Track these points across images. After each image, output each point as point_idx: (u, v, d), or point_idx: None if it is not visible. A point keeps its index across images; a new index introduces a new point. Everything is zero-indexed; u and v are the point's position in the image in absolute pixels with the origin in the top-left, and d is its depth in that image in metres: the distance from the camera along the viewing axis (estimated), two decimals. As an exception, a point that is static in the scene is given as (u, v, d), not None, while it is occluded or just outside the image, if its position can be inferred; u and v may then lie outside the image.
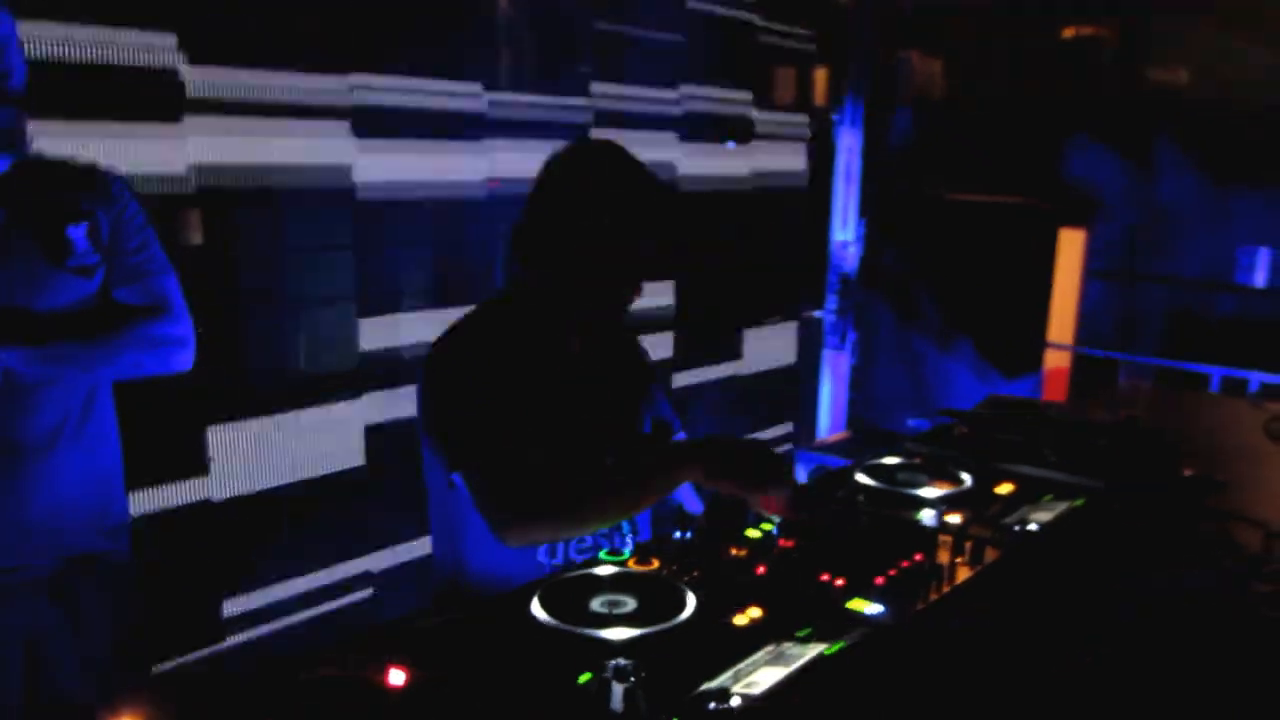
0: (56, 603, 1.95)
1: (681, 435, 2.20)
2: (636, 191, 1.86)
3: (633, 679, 1.22)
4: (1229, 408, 3.54)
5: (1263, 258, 6.91)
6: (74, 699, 1.98)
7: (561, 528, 1.78)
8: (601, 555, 1.63)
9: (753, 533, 1.73)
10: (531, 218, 1.87)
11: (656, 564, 1.59)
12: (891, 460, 2.13)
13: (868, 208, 4.75)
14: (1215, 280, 6.90)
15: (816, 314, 5.41)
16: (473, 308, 1.96)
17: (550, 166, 1.89)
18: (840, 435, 3.60)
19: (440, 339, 1.89)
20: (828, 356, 4.82)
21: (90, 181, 1.97)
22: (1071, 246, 7.10)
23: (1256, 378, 5.04)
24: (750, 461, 1.73)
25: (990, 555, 1.65)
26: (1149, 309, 7.08)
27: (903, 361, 3.32)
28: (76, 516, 1.96)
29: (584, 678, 1.24)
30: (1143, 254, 7.21)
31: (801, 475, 3.48)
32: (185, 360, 2.05)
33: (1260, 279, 6.97)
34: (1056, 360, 5.32)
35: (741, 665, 1.28)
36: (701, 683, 1.24)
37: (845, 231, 4.85)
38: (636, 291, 1.92)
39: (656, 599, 1.43)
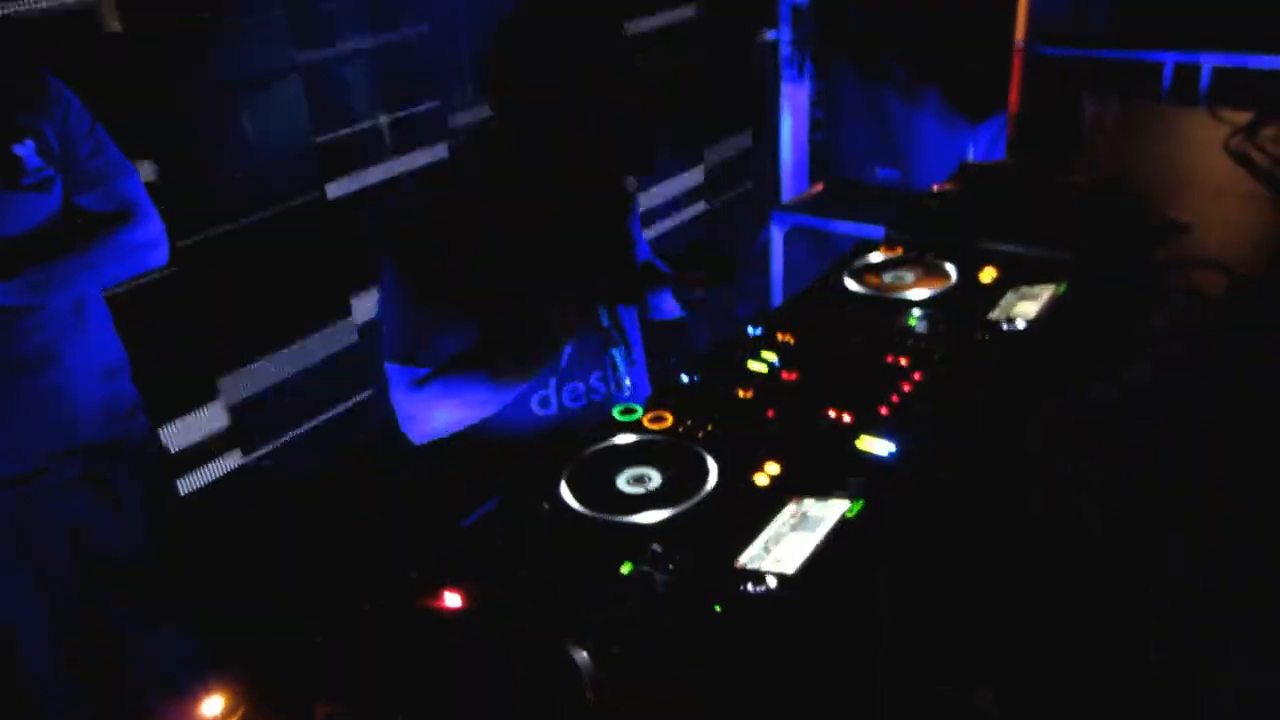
0: (92, 491, 1.98)
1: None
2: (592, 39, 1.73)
3: (670, 566, 1.28)
4: (1190, 121, 3.51)
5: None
6: (122, 576, 2.05)
7: (441, 434, 1.82)
8: (615, 414, 1.65)
9: (756, 366, 1.75)
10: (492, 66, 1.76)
11: (670, 419, 1.61)
12: (877, 258, 2.13)
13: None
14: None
15: (770, 34, 5.21)
16: (445, 158, 1.88)
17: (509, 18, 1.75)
18: (814, 190, 3.55)
19: (397, 208, 1.81)
20: (786, 89, 4.68)
21: (24, 87, 1.81)
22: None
23: (1208, 61, 4.95)
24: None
25: (982, 360, 1.70)
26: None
27: (868, 113, 3.23)
28: (90, 415, 1.95)
29: (626, 568, 1.30)
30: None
31: (777, 236, 3.48)
32: (160, 258, 1.98)
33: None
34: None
35: (768, 533, 1.34)
36: (734, 556, 1.30)
37: (793, -44, 4.58)
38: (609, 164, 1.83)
39: (679, 469, 1.47)
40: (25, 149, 1.76)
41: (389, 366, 1.78)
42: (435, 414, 1.77)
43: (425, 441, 1.82)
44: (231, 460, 2.84)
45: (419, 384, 1.77)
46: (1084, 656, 1.36)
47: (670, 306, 2.06)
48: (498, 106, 1.77)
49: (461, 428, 1.81)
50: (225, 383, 2.77)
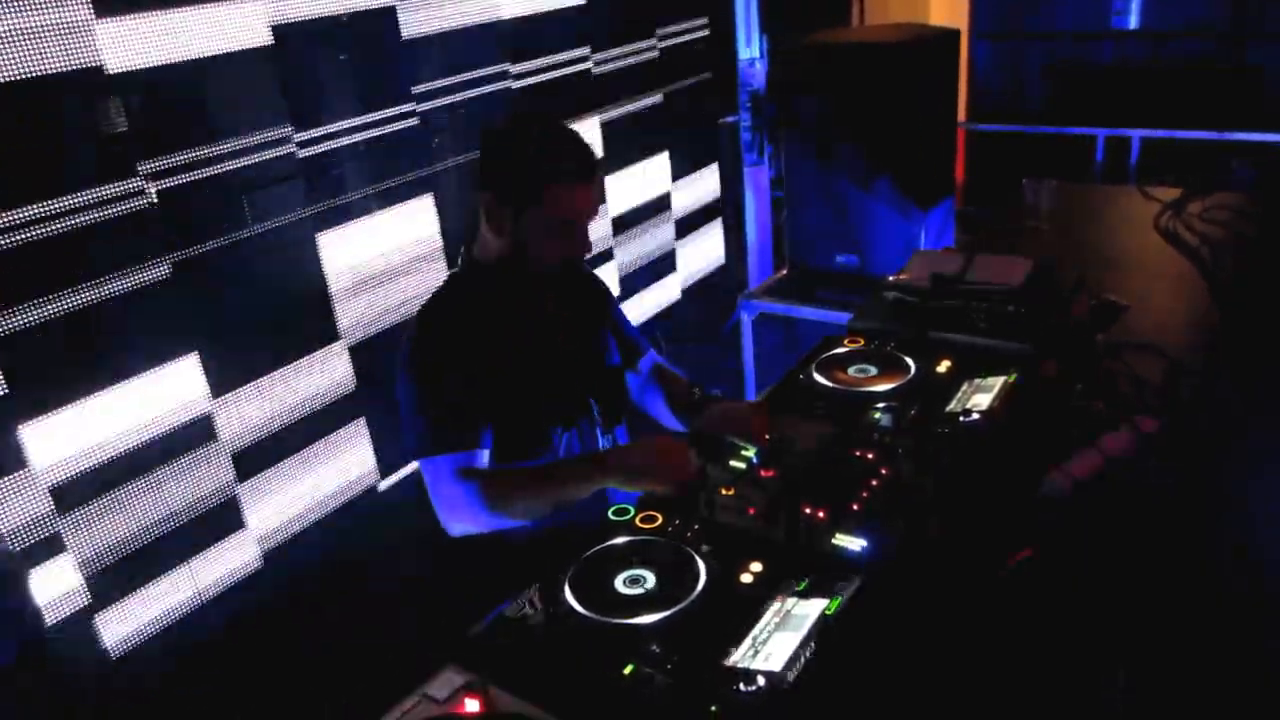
0: None
1: (651, 353, 2.26)
2: (568, 157, 1.85)
3: (668, 666, 1.35)
4: (1122, 200, 3.65)
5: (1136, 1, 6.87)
6: None
7: (492, 526, 1.85)
8: (610, 514, 1.72)
9: (736, 464, 1.82)
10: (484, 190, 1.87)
11: (660, 519, 1.68)
12: (841, 350, 2.22)
13: (769, 24, 4.62)
14: (1093, 30, 6.89)
15: (730, 119, 5.35)
16: (440, 286, 1.98)
17: (489, 140, 1.88)
18: (778, 276, 3.66)
19: (409, 331, 1.90)
20: (749, 174, 4.81)
21: None
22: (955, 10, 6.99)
23: (1137, 135, 5.14)
24: (662, 462, 1.80)
25: (943, 453, 1.78)
26: (1033, 66, 7.08)
27: (825, 198, 3.35)
28: None
29: (628, 669, 1.36)
30: (1026, 10, 7.13)
31: (747, 322, 3.58)
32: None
33: (1133, 21, 6.97)
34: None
35: (756, 631, 1.40)
36: (724, 655, 1.36)
37: (750, 49, 4.73)
38: (585, 247, 1.94)
39: (672, 570, 1.54)
40: None
41: (425, 462, 1.84)
42: (479, 511, 1.81)
43: (460, 536, 1.87)
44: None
45: (463, 473, 1.82)
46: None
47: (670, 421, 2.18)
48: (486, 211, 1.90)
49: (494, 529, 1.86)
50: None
